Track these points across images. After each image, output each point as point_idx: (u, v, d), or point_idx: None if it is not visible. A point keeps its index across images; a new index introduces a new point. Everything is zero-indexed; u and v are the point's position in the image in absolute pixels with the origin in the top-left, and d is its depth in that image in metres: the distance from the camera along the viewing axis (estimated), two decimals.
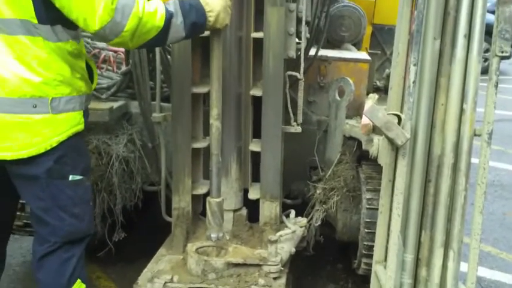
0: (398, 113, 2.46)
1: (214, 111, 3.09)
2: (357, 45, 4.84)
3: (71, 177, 2.67)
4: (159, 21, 2.55)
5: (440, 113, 2.52)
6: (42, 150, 2.54)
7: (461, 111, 2.50)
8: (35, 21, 2.43)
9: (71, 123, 2.63)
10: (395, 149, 2.46)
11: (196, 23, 2.74)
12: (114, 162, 3.69)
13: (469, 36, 2.50)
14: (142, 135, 3.93)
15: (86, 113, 2.77)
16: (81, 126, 2.70)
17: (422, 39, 2.49)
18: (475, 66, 2.49)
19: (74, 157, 2.69)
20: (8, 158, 2.51)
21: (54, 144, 2.56)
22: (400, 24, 2.61)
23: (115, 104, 3.76)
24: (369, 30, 5.18)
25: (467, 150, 2.49)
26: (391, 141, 2.41)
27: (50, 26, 2.47)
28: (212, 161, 3.15)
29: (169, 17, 2.58)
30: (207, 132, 3.24)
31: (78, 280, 2.79)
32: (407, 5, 2.60)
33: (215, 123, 3.10)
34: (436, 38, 2.51)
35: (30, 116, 2.49)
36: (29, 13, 2.41)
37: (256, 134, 3.57)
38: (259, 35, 3.37)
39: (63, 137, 2.59)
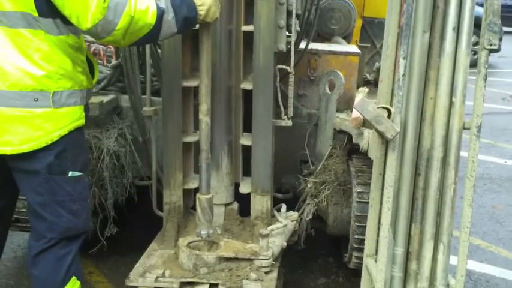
0: (388, 106, 2.46)
1: (204, 107, 3.08)
2: (347, 38, 4.85)
3: (70, 173, 2.67)
4: (151, 18, 2.54)
5: (430, 106, 2.53)
6: (43, 145, 2.53)
7: (451, 104, 2.50)
8: (36, 14, 2.42)
9: (72, 117, 2.62)
10: (385, 142, 2.47)
11: (188, 17, 2.73)
12: (105, 157, 3.67)
13: (458, 30, 2.50)
14: (133, 129, 3.92)
15: (87, 108, 2.77)
16: (82, 121, 2.70)
17: (411, 33, 2.49)
18: (464, 59, 2.49)
19: (74, 153, 2.68)
20: (8, 153, 2.50)
21: (55, 139, 2.56)
22: (390, 17, 2.61)
23: (105, 98, 3.75)
24: (358, 23, 5.19)
25: (457, 144, 2.50)
26: (381, 134, 2.41)
27: (52, 20, 2.47)
28: (202, 156, 3.15)
29: (160, 13, 2.57)
30: (197, 126, 3.23)
31: (73, 277, 2.78)
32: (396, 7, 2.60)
33: (204, 119, 3.10)
34: (426, 31, 2.52)
35: (31, 109, 2.48)
36: (29, 6, 2.41)
37: (247, 128, 3.57)
38: (249, 28, 3.37)
39: (64, 131, 2.58)
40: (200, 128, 3.12)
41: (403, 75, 2.45)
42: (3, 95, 2.44)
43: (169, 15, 2.62)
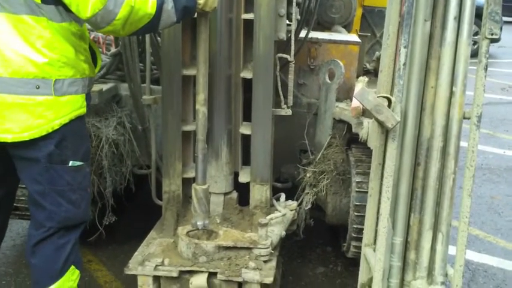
0: (389, 95, 2.45)
1: (201, 97, 3.07)
2: (347, 27, 4.83)
3: (71, 163, 2.66)
4: (151, 8, 2.53)
5: (430, 96, 2.52)
6: (43, 133, 2.52)
7: (451, 94, 2.50)
8: (38, 0, 2.41)
9: (73, 106, 2.61)
10: (385, 132, 2.46)
11: (187, 6, 2.72)
12: (104, 145, 3.66)
13: (459, 19, 2.49)
14: (132, 118, 3.91)
15: (89, 97, 2.76)
16: (83, 110, 2.69)
17: (412, 22, 2.48)
18: (464, 48, 2.48)
19: (75, 142, 2.68)
20: (9, 141, 2.50)
21: (56, 127, 2.55)
22: (391, 6, 2.60)
23: (104, 86, 3.74)
24: (359, 12, 5.17)
25: (457, 133, 2.49)
26: (381, 124, 2.40)
27: (54, 6, 2.45)
28: (198, 147, 3.14)
29: (160, 3, 2.56)
30: None
31: (72, 266, 2.79)
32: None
33: (201, 109, 3.09)
34: (427, 20, 2.50)
35: (32, 97, 2.47)
36: None
37: (247, 117, 3.56)
38: (249, 16, 3.34)
39: (65, 120, 2.58)
40: (197, 118, 3.11)
41: (404, 64, 2.44)
42: (5, 82, 2.44)
43: (169, 5, 2.61)
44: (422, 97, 2.53)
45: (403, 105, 2.48)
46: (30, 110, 2.48)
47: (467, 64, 2.50)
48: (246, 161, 3.63)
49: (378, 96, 2.39)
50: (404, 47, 2.44)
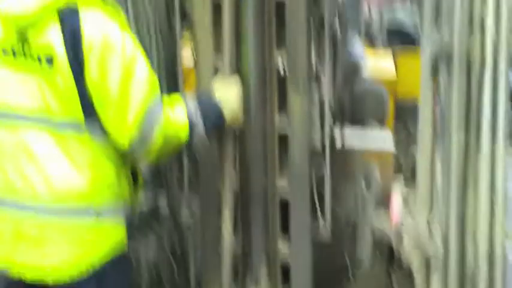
0: (428, 219, 2.36)
1: (227, 223, 2.96)
2: (381, 122, 4.79)
3: None
4: (183, 132, 2.51)
5: (471, 217, 2.41)
6: (83, 270, 2.39)
7: (492, 211, 2.38)
8: (83, 120, 2.35)
9: (115, 236, 2.51)
10: (427, 260, 2.36)
11: (215, 124, 2.70)
12: (143, 270, 3.56)
13: (493, 127, 2.41)
14: (171, 237, 3.81)
15: (130, 225, 2.64)
16: (124, 243, 2.57)
17: (446, 135, 2.42)
18: (501, 160, 2.40)
19: (119, 279, 2.56)
20: (50, 282, 2.39)
21: (97, 263, 2.42)
22: (423, 114, 2.53)
23: (143, 203, 3.66)
24: (391, 107, 5.14)
25: (501, 260, 2.35)
26: (421, 252, 2.31)
27: (99, 128, 2.39)
28: (223, 275, 3.03)
29: (192, 126, 2.53)
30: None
31: None
32: (428, 101, 2.53)
33: (228, 238, 2.98)
34: (460, 131, 2.43)
35: (73, 223, 2.37)
36: (78, 114, 2.34)
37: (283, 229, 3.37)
38: (282, 124, 3.17)
39: (106, 253, 2.46)
40: (223, 246, 3.00)
41: (442, 182, 2.36)
42: (41, 209, 2.35)
43: (199, 126, 2.57)
44: (463, 219, 2.42)
45: (444, 230, 2.38)
46: (70, 239, 2.39)
47: (506, 175, 2.40)
48: (285, 280, 3.36)
49: (416, 221, 2.31)
50: (440, 162, 2.37)
